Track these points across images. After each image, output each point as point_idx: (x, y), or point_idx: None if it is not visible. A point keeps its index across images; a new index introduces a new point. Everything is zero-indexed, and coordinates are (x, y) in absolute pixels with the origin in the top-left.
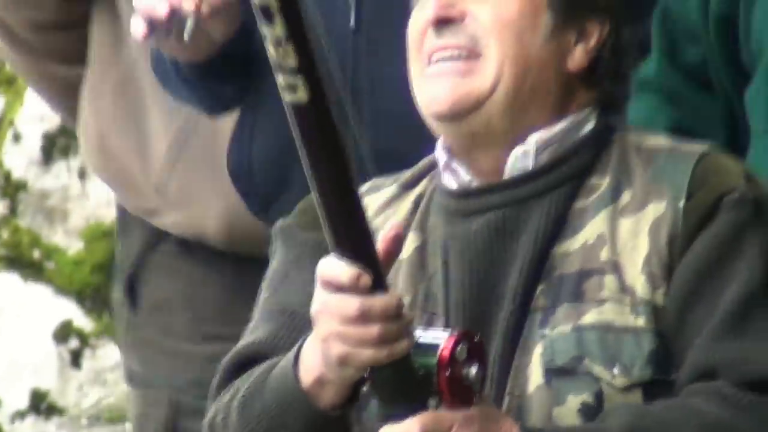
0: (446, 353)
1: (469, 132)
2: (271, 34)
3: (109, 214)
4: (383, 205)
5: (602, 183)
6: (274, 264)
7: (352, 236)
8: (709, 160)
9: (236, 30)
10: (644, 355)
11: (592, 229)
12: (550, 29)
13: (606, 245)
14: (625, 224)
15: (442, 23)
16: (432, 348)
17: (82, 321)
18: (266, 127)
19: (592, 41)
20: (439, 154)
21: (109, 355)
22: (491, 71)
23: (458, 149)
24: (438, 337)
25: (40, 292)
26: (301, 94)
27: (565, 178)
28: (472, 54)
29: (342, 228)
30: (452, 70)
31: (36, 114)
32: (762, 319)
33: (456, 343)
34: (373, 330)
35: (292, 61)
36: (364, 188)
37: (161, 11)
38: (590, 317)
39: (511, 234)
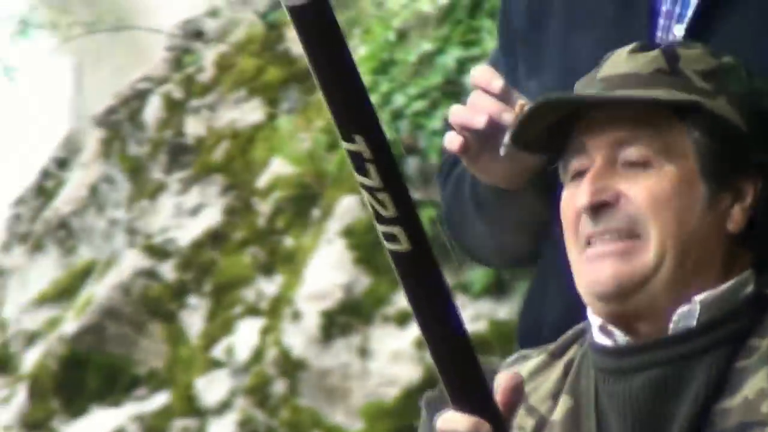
0: None
1: (633, 310)
2: (366, 184)
3: (390, 393)
4: (533, 372)
5: (762, 344)
6: None
7: (467, 386)
8: None
9: (547, 157)
10: None
11: (753, 385)
12: (707, 199)
13: (767, 399)
14: None
15: (597, 208)
16: None
17: None
18: (555, 286)
19: (748, 200)
20: (592, 317)
21: None
22: (653, 251)
23: (617, 322)
24: None
25: None
26: (402, 244)
27: (726, 338)
28: (631, 234)
29: (456, 378)
30: (613, 251)
31: (315, 292)
32: None
33: None
34: None
35: (390, 211)
36: (511, 359)
37: (479, 122)
38: None
39: (673, 391)
